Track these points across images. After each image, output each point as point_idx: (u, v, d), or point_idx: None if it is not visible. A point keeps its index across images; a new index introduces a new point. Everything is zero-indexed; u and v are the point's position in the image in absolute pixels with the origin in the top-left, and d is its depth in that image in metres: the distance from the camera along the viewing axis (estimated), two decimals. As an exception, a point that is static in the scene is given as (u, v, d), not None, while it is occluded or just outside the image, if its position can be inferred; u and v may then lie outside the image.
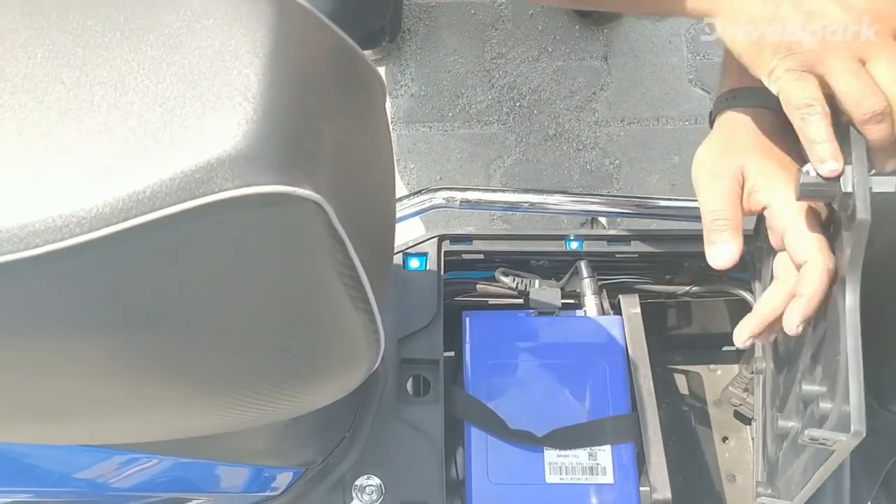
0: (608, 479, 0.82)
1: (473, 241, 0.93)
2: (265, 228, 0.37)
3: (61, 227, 0.35)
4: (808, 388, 0.64)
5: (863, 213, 0.55)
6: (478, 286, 0.96)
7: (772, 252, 0.73)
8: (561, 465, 0.82)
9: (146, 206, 0.35)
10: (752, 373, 0.83)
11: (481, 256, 0.94)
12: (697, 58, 1.65)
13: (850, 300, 0.58)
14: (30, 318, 0.37)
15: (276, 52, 0.38)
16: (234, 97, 0.37)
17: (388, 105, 1.62)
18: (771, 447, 0.77)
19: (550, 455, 0.83)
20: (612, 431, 0.84)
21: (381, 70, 1.67)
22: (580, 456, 0.83)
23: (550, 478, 0.82)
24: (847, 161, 0.57)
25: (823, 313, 0.62)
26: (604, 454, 0.83)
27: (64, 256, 0.35)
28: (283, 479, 0.74)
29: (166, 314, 0.38)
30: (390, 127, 1.63)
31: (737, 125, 0.68)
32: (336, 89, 0.44)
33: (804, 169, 0.60)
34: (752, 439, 0.82)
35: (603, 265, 0.95)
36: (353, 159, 0.44)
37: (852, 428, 0.56)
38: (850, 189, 0.57)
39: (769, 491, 0.73)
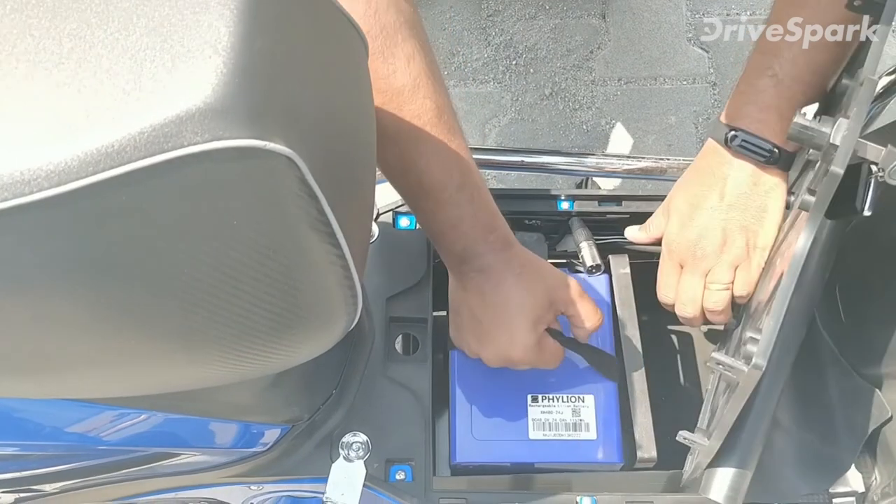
0: (591, 434, 0.83)
1: None
2: (236, 183, 0.37)
3: (29, 181, 0.34)
4: (748, 334, 0.64)
5: (837, 166, 0.55)
6: None
7: None
8: (545, 421, 0.83)
9: (114, 160, 0.35)
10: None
11: (471, 215, 0.94)
12: (696, 16, 1.63)
13: (801, 243, 0.58)
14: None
15: (248, 4, 0.38)
16: (204, 50, 0.36)
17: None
18: (716, 396, 0.77)
19: (534, 411, 0.84)
20: (595, 367, 0.85)
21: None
22: (564, 412, 0.84)
23: (534, 434, 0.83)
24: (845, 114, 0.58)
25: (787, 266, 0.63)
26: (587, 410, 0.84)
27: (31, 211, 0.35)
28: (271, 436, 0.75)
29: (137, 269, 0.38)
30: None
31: (721, 170, 0.78)
32: (312, 44, 0.43)
33: (802, 111, 0.61)
34: (706, 390, 0.83)
35: (594, 225, 0.94)
36: (330, 115, 0.44)
37: (753, 359, 0.56)
38: (836, 142, 0.57)
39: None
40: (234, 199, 0.38)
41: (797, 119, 0.60)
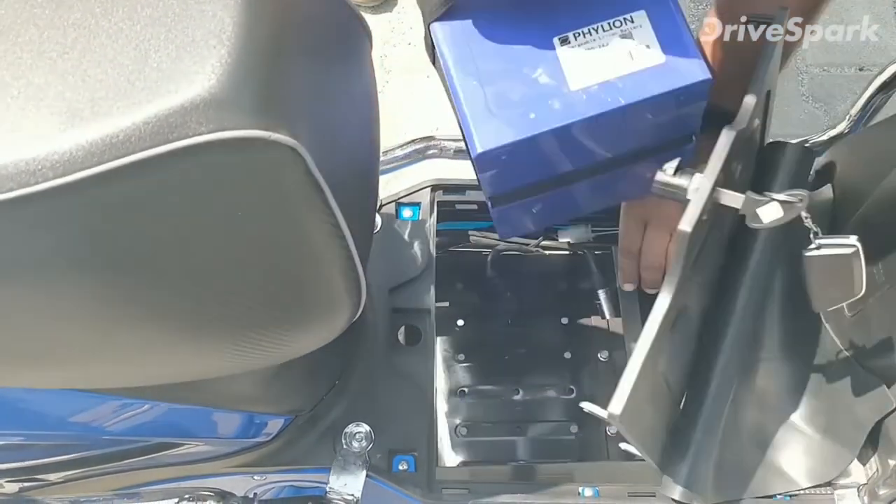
0: (657, 57, 0.57)
1: (467, 192, 0.93)
2: (240, 173, 0.37)
3: (34, 171, 0.35)
4: None
5: (685, 224, 0.55)
6: (471, 237, 0.96)
7: None
8: (586, 62, 0.58)
9: (120, 150, 0.35)
10: None
11: (475, 207, 0.94)
12: (700, 7, 1.63)
13: (661, 301, 0.58)
14: (4, 262, 0.37)
15: None
16: (209, 40, 0.36)
17: (385, 54, 1.61)
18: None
19: (567, 55, 0.58)
20: None
21: (379, 18, 1.65)
22: (611, 42, 0.58)
23: (575, 84, 0.57)
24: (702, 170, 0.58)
25: None
26: (642, 31, 0.58)
27: (37, 200, 0.35)
28: (274, 426, 0.75)
29: (142, 259, 0.38)
30: (387, 76, 1.61)
31: None
32: (316, 36, 0.43)
33: (664, 167, 0.61)
34: None
35: (599, 215, 0.94)
36: (334, 106, 0.44)
37: (609, 409, 0.57)
38: (689, 197, 0.58)
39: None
40: (238, 189, 0.38)
41: (658, 175, 0.61)
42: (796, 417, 0.80)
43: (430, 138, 0.95)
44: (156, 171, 0.35)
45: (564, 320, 0.93)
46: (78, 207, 0.36)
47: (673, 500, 0.73)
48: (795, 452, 0.78)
